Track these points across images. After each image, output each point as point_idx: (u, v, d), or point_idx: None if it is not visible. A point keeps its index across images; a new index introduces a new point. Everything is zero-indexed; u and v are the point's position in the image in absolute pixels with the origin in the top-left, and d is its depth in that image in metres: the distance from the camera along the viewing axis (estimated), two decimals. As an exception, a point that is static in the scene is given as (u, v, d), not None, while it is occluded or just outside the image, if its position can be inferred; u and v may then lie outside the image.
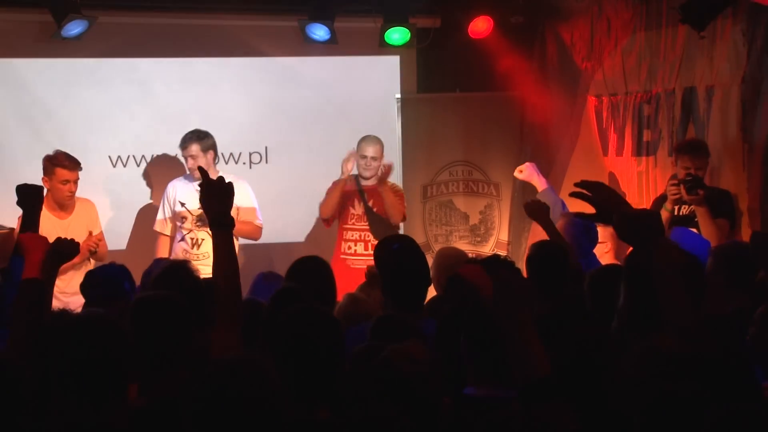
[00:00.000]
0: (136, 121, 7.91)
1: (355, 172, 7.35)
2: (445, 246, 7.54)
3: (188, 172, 7.19)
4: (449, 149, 8.47)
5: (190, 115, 7.86)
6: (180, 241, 7.17)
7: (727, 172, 6.45)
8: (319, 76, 8.27)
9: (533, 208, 5.95)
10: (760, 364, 3.36)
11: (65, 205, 6.69)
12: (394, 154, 8.37)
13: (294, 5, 7.80)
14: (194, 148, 7.08)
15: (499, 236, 8.53)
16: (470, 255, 6.56)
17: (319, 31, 7.68)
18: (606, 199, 3.31)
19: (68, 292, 6.17)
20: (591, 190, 3.28)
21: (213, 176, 3.71)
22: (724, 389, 2.72)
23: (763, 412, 2.32)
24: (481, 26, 7.97)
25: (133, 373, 3.15)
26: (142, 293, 4.19)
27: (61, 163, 6.58)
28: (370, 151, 7.32)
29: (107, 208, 7.64)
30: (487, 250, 8.40)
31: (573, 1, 7.89)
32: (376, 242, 6.80)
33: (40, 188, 4.71)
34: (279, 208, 7.99)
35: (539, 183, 7.05)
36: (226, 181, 3.63)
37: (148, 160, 7.95)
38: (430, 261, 5.43)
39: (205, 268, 5.12)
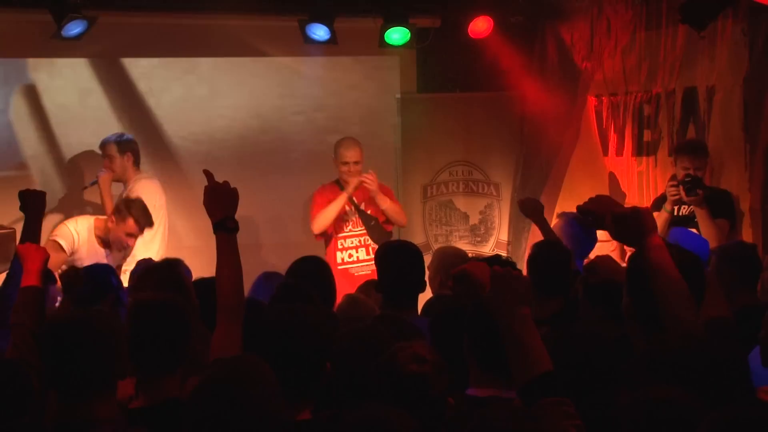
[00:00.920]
0: (136, 121, 7.91)
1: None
2: (443, 245, 7.52)
3: (103, 172, 7.13)
4: (449, 149, 8.47)
5: (190, 115, 7.85)
6: None
7: (728, 172, 6.45)
8: (319, 76, 8.27)
9: (528, 206, 5.94)
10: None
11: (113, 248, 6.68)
12: (394, 154, 8.37)
13: (294, 5, 7.79)
14: (112, 148, 7.14)
15: (499, 236, 8.53)
16: (470, 255, 6.55)
17: (319, 31, 7.67)
18: (601, 203, 3.33)
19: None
20: (588, 202, 3.33)
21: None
22: (719, 392, 2.72)
23: (758, 415, 2.31)
24: (481, 26, 7.96)
25: (127, 369, 3.16)
26: (140, 294, 4.19)
27: (137, 220, 6.54)
28: (350, 156, 7.20)
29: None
30: (487, 250, 8.39)
31: (573, 1, 7.89)
32: (376, 246, 6.84)
33: (43, 194, 4.70)
34: (279, 208, 7.98)
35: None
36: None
37: (147, 159, 7.95)
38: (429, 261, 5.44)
39: None
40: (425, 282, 4.83)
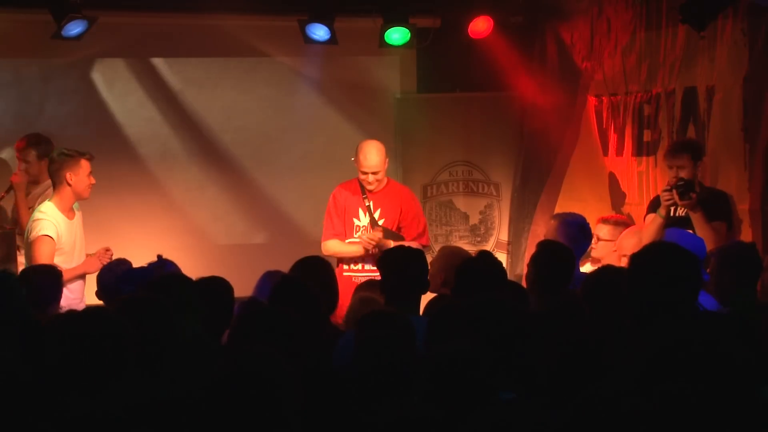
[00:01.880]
0: (135, 121, 7.91)
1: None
2: (447, 245, 7.50)
3: (18, 175, 6.94)
4: (449, 149, 8.46)
5: (190, 115, 7.85)
6: None
7: (728, 172, 6.44)
8: (319, 76, 8.26)
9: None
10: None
11: (81, 200, 6.43)
12: (393, 154, 8.37)
13: (294, 5, 7.79)
14: (31, 154, 6.96)
15: (499, 236, 8.53)
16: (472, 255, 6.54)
17: (319, 31, 7.66)
18: None
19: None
20: None
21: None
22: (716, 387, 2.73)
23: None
24: (481, 26, 7.96)
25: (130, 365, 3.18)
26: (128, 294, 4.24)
27: (86, 155, 6.34)
28: (370, 166, 6.65)
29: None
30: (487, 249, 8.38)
31: (573, 1, 7.88)
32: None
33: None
34: (279, 207, 7.98)
35: None
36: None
37: (147, 159, 7.95)
38: (430, 261, 5.44)
39: None
40: (428, 283, 4.86)
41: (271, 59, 8.18)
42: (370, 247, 6.58)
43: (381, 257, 4.87)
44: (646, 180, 7.21)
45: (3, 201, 7.19)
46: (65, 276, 5.77)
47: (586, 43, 7.76)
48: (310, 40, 7.74)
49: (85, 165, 6.33)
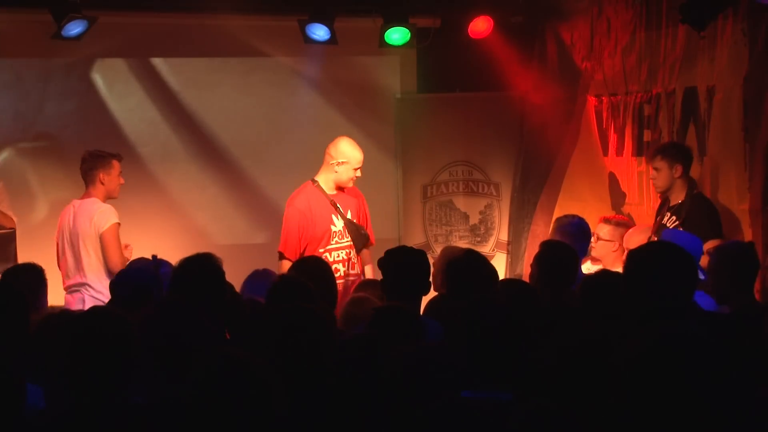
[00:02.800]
0: (135, 121, 7.91)
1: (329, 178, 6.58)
2: (450, 245, 7.48)
3: None
4: (449, 149, 8.47)
5: (190, 115, 7.85)
6: None
7: (728, 172, 6.44)
8: (319, 76, 8.27)
9: None
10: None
11: (111, 199, 6.49)
12: (393, 154, 8.37)
13: (294, 5, 7.79)
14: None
15: (499, 236, 8.53)
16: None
17: (319, 31, 7.67)
18: None
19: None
20: None
21: None
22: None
23: None
24: (481, 26, 7.97)
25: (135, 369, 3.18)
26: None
27: (116, 156, 6.47)
28: (361, 161, 6.55)
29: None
30: (487, 250, 8.39)
31: (573, 1, 7.89)
32: (357, 260, 6.53)
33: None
34: (279, 208, 7.96)
35: None
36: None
37: (147, 159, 7.95)
38: (430, 261, 5.43)
39: None
40: (429, 284, 4.86)
41: (271, 59, 8.19)
42: None
43: (382, 257, 4.87)
44: (646, 180, 7.21)
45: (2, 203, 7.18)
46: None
47: (586, 43, 7.76)
48: (310, 40, 7.75)
49: (116, 165, 6.48)
